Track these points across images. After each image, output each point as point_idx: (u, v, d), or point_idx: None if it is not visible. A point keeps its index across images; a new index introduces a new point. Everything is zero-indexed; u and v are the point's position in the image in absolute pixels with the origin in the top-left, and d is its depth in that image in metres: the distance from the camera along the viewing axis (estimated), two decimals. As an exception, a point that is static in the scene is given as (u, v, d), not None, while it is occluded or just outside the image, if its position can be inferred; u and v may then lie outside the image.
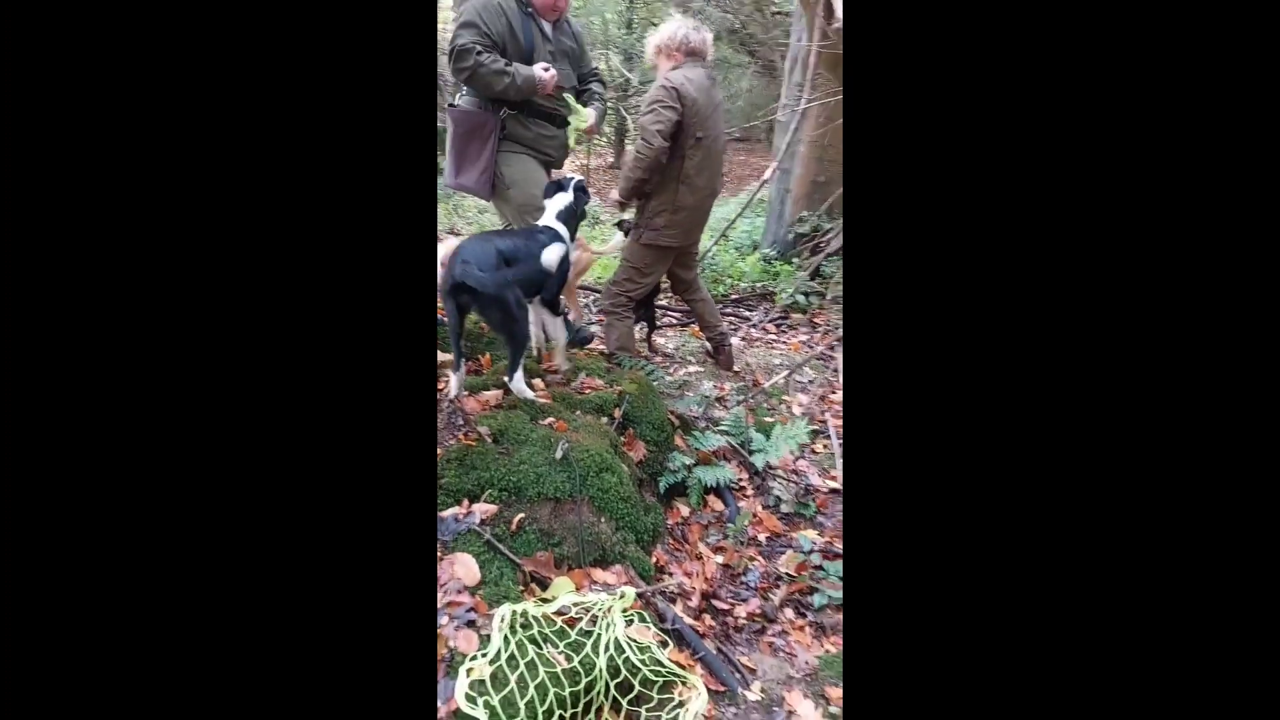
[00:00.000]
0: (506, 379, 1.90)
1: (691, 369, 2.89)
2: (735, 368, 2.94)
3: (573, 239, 2.16)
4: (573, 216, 2.13)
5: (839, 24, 3.35)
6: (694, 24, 2.50)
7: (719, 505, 2.14)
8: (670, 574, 1.77)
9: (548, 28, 2.35)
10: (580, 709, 1.34)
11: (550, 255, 1.92)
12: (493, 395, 1.91)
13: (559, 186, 2.15)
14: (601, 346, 2.72)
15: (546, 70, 2.24)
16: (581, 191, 2.17)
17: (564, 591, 1.51)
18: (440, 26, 4.09)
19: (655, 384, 2.33)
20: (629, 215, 2.66)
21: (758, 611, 1.72)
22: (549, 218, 2.06)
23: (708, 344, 2.98)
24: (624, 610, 1.49)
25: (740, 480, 2.25)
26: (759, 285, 4.15)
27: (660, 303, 3.73)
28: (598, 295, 3.44)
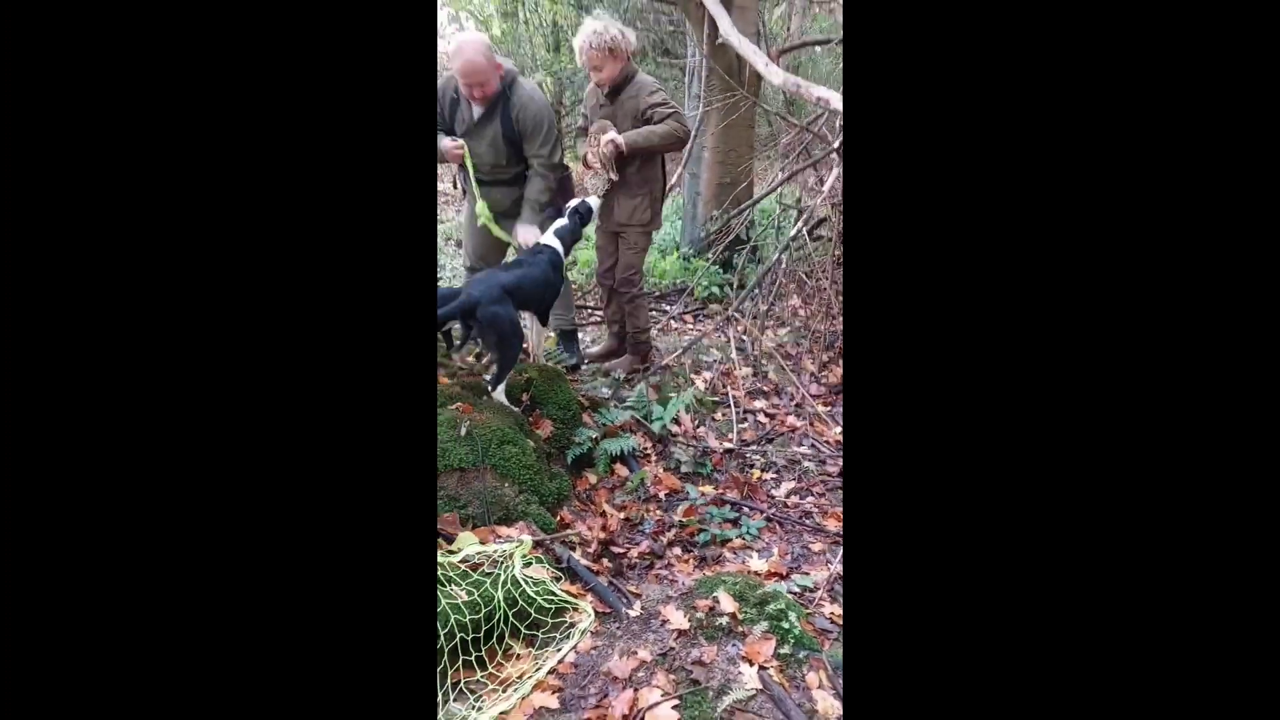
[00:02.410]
0: (490, 389, 2.23)
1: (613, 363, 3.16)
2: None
3: (568, 254, 2.56)
4: (570, 234, 2.54)
5: (722, 39, 3.70)
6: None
7: (626, 472, 2.41)
8: (573, 528, 2.03)
9: (476, 111, 2.51)
10: (483, 635, 1.58)
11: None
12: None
13: (558, 212, 2.59)
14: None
15: (453, 140, 2.52)
16: (575, 214, 2.57)
17: (468, 544, 1.75)
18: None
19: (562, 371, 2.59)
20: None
21: (648, 551, 1.99)
22: (549, 236, 2.49)
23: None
24: (523, 555, 1.74)
25: (645, 449, 2.52)
26: (679, 282, 4.46)
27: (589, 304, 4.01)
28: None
